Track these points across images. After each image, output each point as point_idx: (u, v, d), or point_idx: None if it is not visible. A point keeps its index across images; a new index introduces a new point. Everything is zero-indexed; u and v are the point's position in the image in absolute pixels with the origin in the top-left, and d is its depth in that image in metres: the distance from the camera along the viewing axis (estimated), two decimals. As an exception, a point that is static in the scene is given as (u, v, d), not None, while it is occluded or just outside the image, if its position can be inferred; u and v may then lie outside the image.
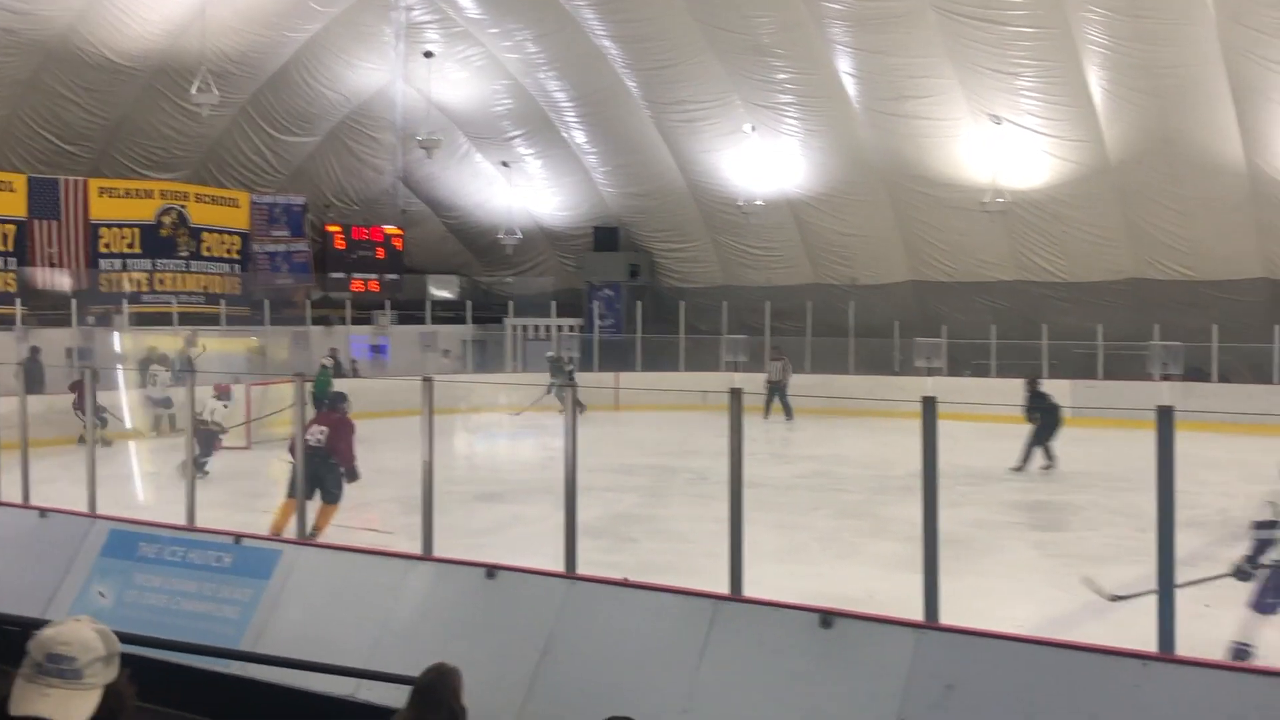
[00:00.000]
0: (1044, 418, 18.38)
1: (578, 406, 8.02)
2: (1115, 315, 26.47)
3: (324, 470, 11.92)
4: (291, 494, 11.27)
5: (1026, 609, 9.82)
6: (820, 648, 5.64)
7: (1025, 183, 26.43)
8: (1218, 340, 24.71)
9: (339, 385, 22.84)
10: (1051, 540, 13.20)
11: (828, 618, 5.73)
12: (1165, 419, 5.32)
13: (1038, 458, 18.05)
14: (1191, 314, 25.54)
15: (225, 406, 16.26)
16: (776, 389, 25.65)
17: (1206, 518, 13.65)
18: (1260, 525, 7.74)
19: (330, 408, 12.74)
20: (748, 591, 6.41)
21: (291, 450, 10.00)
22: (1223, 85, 22.97)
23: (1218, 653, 7.38)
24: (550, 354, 28.06)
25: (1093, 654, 5.19)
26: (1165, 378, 24.43)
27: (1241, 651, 7.37)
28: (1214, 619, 9.13)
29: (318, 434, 12.01)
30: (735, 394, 6.58)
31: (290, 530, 10.96)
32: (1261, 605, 7.56)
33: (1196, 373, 25.12)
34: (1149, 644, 5.38)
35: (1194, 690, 4.88)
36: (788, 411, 25.57)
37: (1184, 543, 11.91)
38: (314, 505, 11.78)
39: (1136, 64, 23.33)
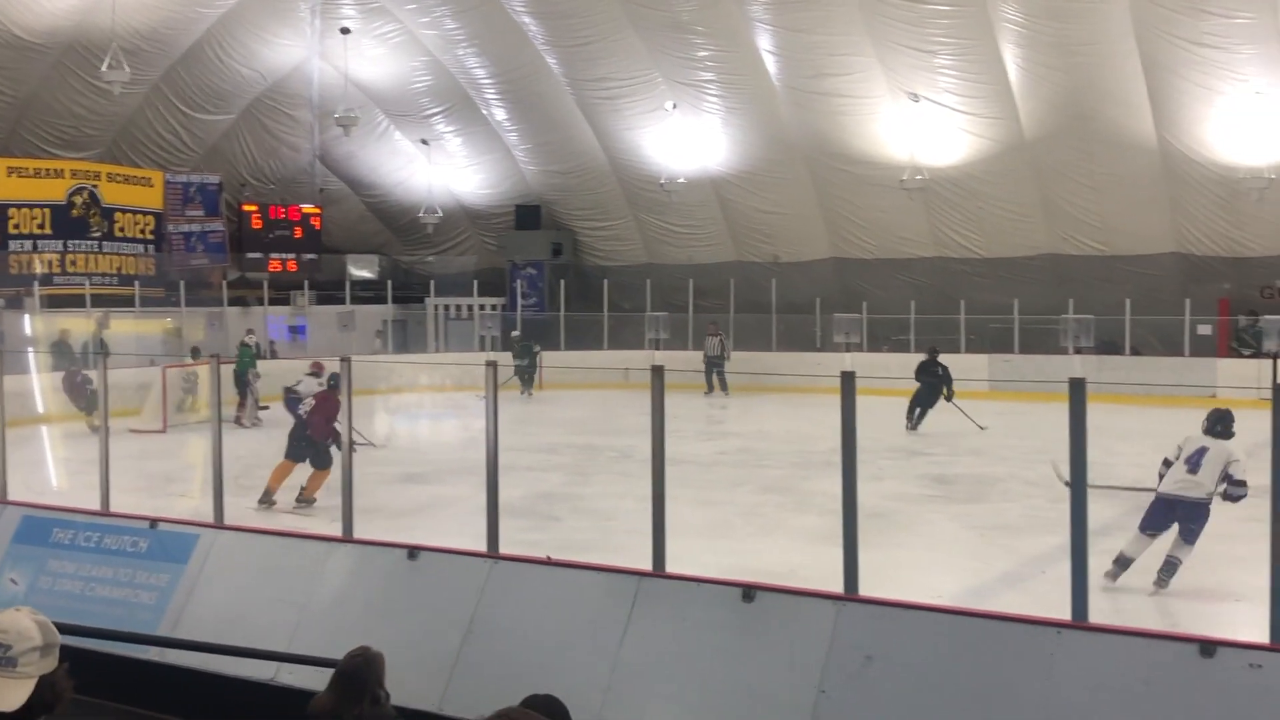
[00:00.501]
0: (925, 386, 19.26)
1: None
2: (1031, 290, 26.90)
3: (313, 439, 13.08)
4: (289, 456, 13.14)
5: (946, 580, 9.97)
6: (742, 622, 5.68)
7: (943, 160, 26.73)
8: (1130, 314, 25.23)
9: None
10: (970, 512, 13.39)
11: (749, 592, 5.77)
12: (1078, 391, 5.41)
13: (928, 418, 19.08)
14: (1105, 288, 26.07)
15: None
16: (714, 364, 25.81)
17: (1119, 487, 13.94)
18: (1165, 462, 9.50)
19: (332, 387, 13.21)
20: (671, 568, 6.43)
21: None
22: (1135, 63, 23.38)
23: (1130, 620, 7.55)
24: (515, 334, 28.32)
25: (1008, 623, 5.28)
26: (1078, 351, 24.95)
27: (1123, 560, 9.20)
28: (1125, 588, 9.36)
29: (308, 405, 13.27)
30: (657, 371, 6.58)
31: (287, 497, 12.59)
32: (1143, 525, 9.32)
33: (1110, 346, 25.65)
34: (1063, 613, 5.48)
35: (1105, 656, 4.98)
36: (724, 387, 25.78)
37: (1098, 512, 12.15)
38: (306, 470, 13.07)
39: (1050, 42, 23.67)
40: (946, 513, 13.46)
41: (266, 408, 20.87)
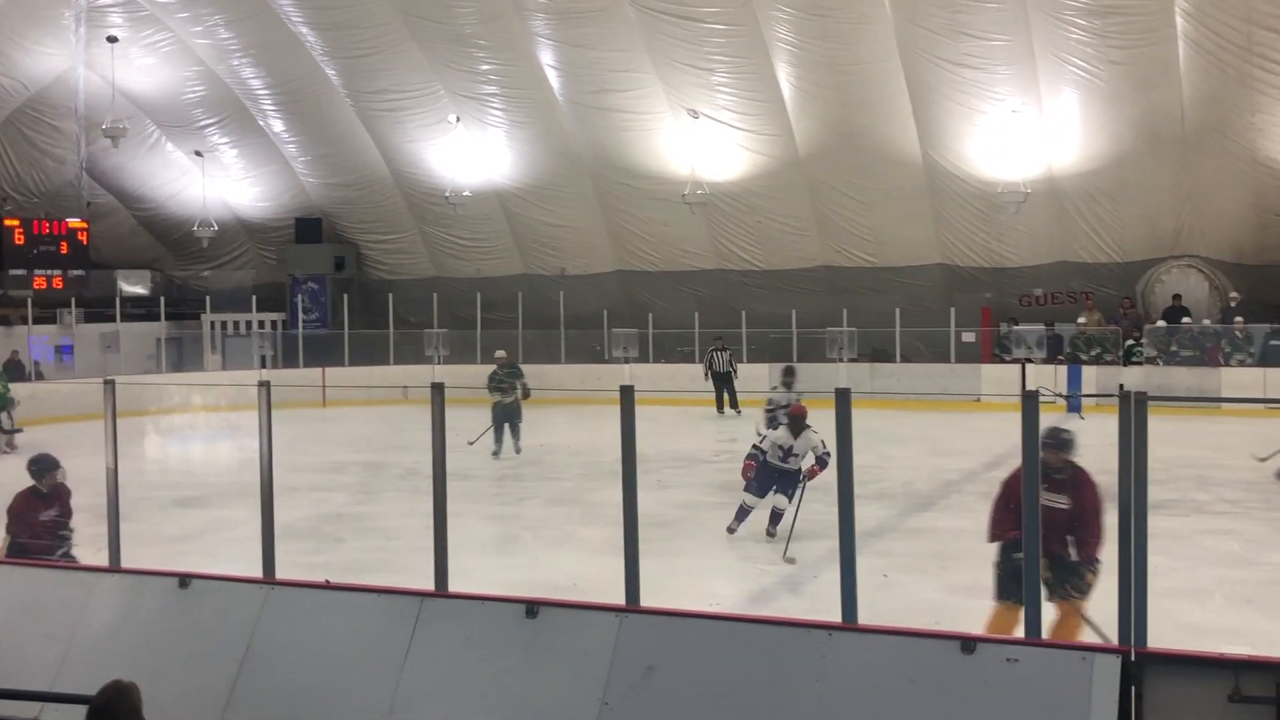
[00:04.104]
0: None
1: None
2: (808, 301, 27.81)
3: None
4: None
5: (728, 586, 10.22)
6: (526, 639, 5.69)
7: (722, 175, 27.37)
8: (900, 323, 26.34)
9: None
10: (752, 518, 13.70)
11: (533, 608, 5.79)
12: (843, 400, 5.63)
13: None
14: (877, 298, 27.14)
15: None
16: (724, 381, 24.68)
17: (893, 490, 14.55)
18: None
19: None
20: (457, 585, 6.39)
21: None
22: (900, 82, 24.45)
23: (898, 620, 7.87)
24: (500, 353, 19.98)
25: (783, 627, 5.45)
26: (852, 360, 25.95)
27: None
28: (896, 589, 9.76)
29: None
30: (437, 388, 6.54)
31: None
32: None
33: (882, 354, 26.73)
34: (836, 615, 5.69)
35: (874, 656, 5.19)
36: (735, 404, 24.25)
37: (872, 515, 12.68)
38: None
39: (821, 61, 24.54)
40: (729, 519, 13.74)
41: (20, 430, 19.94)
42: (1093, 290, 26.37)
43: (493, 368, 18.62)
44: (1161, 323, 25.26)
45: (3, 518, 9.11)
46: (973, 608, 7.94)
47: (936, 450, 18.36)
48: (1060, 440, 7.55)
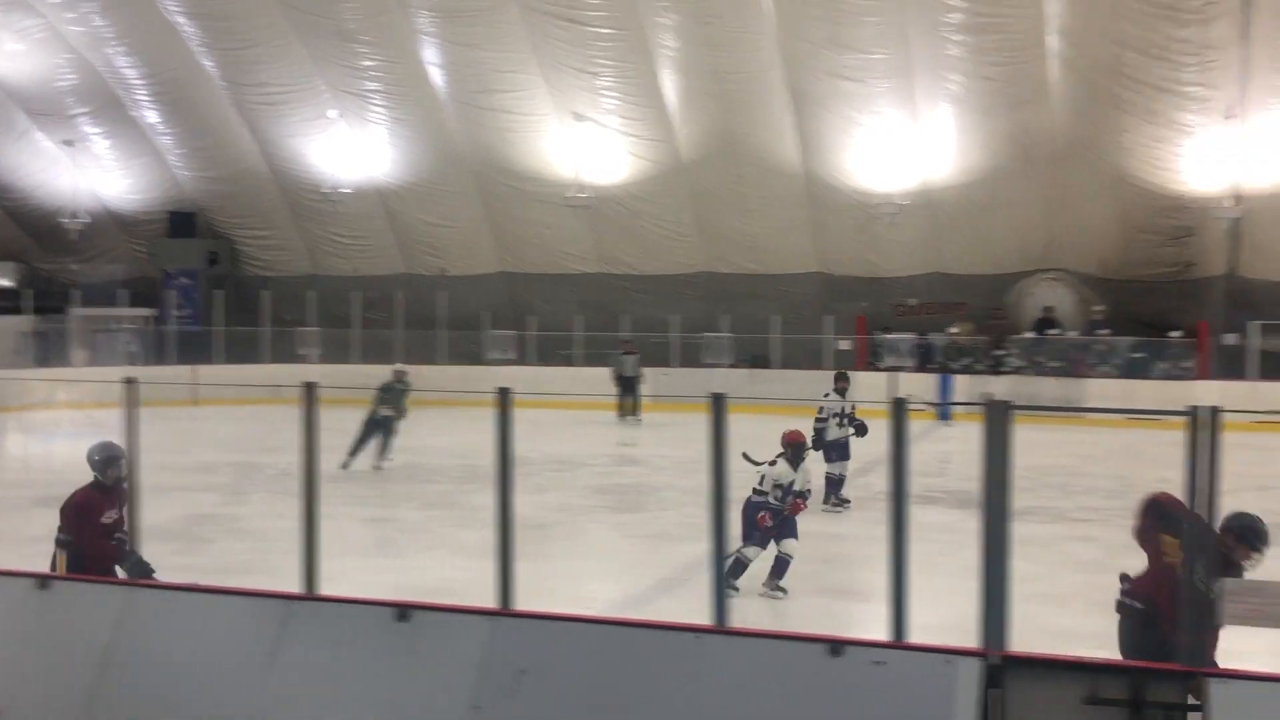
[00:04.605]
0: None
1: None
2: (689, 306, 28.03)
3: None
4: None
5: (604, 589, 10.23)
6: (396, 642, 5.63)
7: (606, 179, 27.42)
8: (779, 330, 26.68)
9: None
10: (630, 521, 13.78)
11: (404, 611, 5.73)
12: (718, 404, 5.68)
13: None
14: (756, 305, 27.46)
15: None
16: (629, 384, 24.52)
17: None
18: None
19: None
20: (329, 588, 6.30)
21: None
22: (782, 93, 24.78)
23: (768, 623, 7.97)
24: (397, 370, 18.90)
25: (654, 630, 5.48)
26: (730, 365, 26.23)
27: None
28: (766, 594, 9.87)
29: None
30: (309, 387, 6.44)
31: None
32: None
33: (760, 360, 27.04)
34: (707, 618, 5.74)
35: (743, 658, 5.25)
36: (636, 410, 24.38)
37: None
38: None
39: (705, 69, 24.77)
40: (608, 522, 13.80)
41: None
42: (965, 301, 27.02)
43: (387, 379, 18.07)
44: (1030, 334, 25.99)
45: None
46: (845, 610, 8.09)
47: (812, 456, 18.63)
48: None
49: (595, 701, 5.27)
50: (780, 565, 9.83)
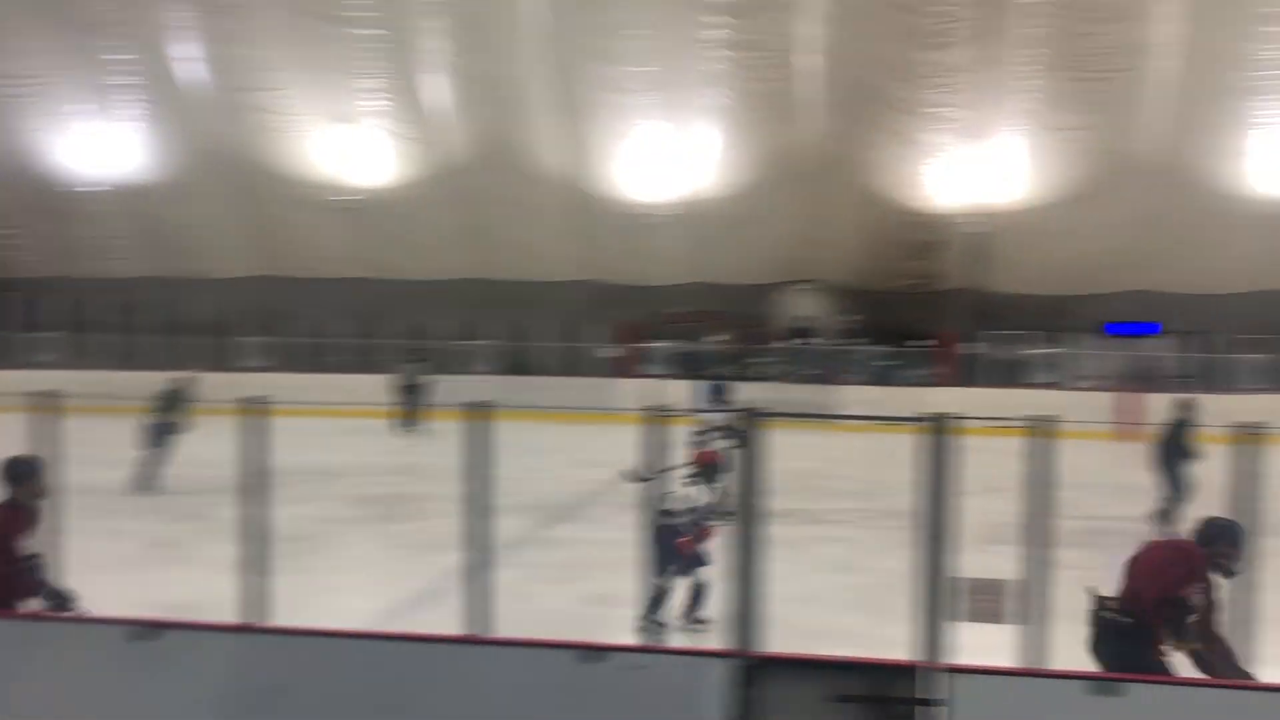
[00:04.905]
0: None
1: None
2: (457, 312, 27.73)
3: None
4: None
5: (365, 601, 10.03)
6: (140, 660, 5.39)
7: (373, 182, 27.00)
8: (546, 338, 26.74)
9: None
10: (394, 531, 13.56)
11: (148, 629, 5.49)
12: (477, 413, 5.66)
13: None
14: (524, 312, 27.43)
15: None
16: (415, 395, 23.38)
17: (531, 501, 14.70)
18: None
19: None
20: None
21: None
22: (552, 101, 24.93)
23: (533, 630, 7.97)
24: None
25: (413, 643, 5.41)
26: (496, 372, 26.16)
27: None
28: (532, 600, 9.87)
29: None
30: (45, 396, 6.12)
31: None
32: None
33: (528, 367, 27.03)
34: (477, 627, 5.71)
35: (502, 666, 5.24)
36: (418, 419, 23.32)
37: (512, 526, 12.76)
38: None
39: (477, 74, 24.79)
40: (370, 533, 13.55)
41: None
42: (727, 310, 27.68)
43: (167, 386, 17.12)
44: (787, 342, 26.85)
45: None
46: (604, 616, 8.14)
47: (576, 462, 18.73)
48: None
49: (351, 716, 5.18)
50: (699, 593, 9.23)
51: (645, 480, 8.69)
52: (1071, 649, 5.78)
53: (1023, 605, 5.41)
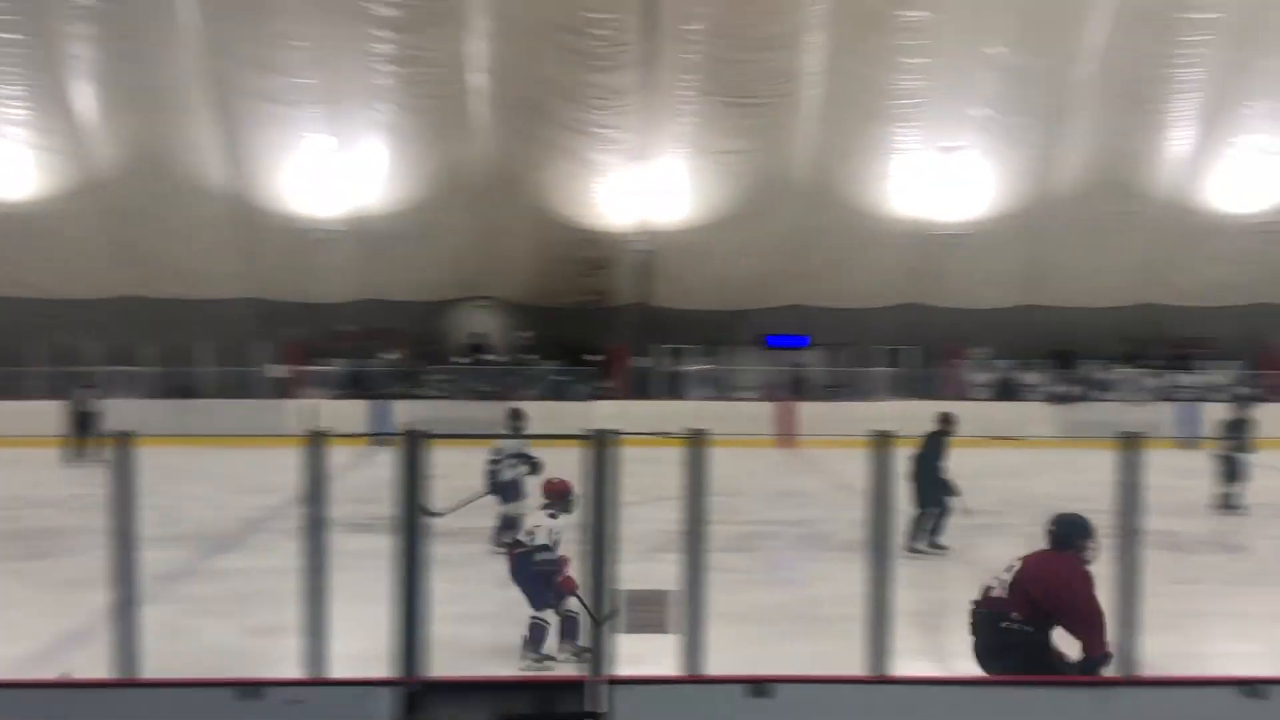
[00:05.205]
0: None
1: None
2: (109, 333, 26.08)
3: None
4: None
5: (4, 646, 9.26)
6: None
7: (12, 194, 25.16)
8: (208, 359, 25.60)
9: None
10: (34, 569, 12.60)
11: None
12: (123, 443, 5.35)
13: None
14: (184, 332, 26.13)
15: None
16: (89, 423, 21.17)
17: (192, 531, 14.02)
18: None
19: None
20: None
21: None
22: (208, 111, 23.98)
23: (193, 668, 7.60)
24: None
25: (57, 690, 5.04)
26: (155, 397, 24.82)
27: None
28: (190, 635, 9.41)
29: None
30: None
31: None
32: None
33: (188, 390, 25.77)
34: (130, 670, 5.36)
35: (150, 709, 4.95)
36: (93, 447, 20.99)
37: (171, 558, 12.15)
38: None
39: (124, 83, 23.53)
40: (8, 571, 12.54)
41: None
42: (399, 327, 27.37)
43: None
44: (461, 359, 26.80)
45: None
46: (270, 649, 7.85)
47: (240, 488, 18.04)
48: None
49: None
50: (573, 623, 8.78)
51: (437, 516, 7.48)
52: (722, 652, 5.97)
53: (682, 612, 5.58)
